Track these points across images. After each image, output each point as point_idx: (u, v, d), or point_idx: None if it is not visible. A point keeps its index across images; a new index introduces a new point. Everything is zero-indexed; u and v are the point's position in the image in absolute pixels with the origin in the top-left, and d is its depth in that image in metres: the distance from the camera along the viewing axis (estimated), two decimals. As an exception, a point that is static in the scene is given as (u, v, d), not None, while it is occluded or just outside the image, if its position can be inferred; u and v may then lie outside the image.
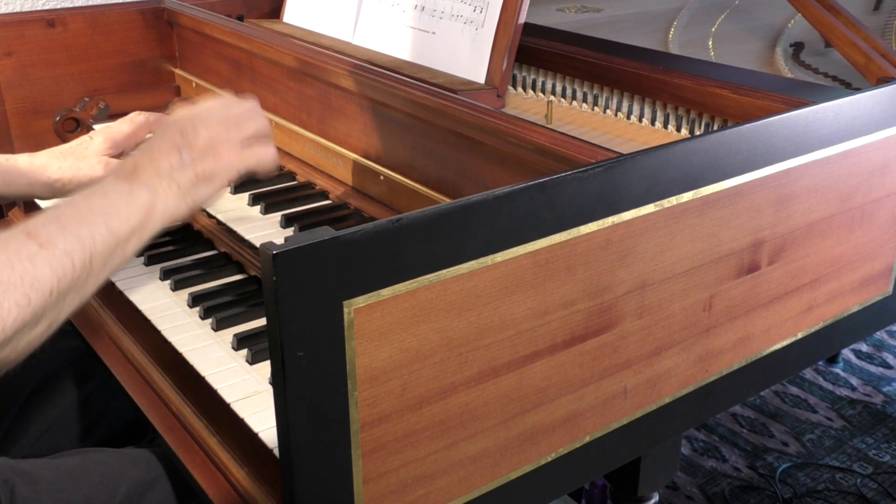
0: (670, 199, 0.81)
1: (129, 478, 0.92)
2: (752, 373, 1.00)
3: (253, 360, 0.91)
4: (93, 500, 0.89)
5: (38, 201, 1.31)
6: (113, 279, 1.08)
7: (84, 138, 1.24)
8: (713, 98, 1.07)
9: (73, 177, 1.18)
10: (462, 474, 0.77)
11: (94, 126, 1.45)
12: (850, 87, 1.46)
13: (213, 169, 0.90)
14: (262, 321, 0.98)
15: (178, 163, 0.88)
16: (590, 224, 0.76)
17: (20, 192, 1.19)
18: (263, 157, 0.97)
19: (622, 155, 0.79)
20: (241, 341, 0.93)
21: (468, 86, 1.14)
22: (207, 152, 0.91)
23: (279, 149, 1.32)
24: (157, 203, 0.85)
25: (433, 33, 1.23)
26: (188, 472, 0.86)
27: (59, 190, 1.19)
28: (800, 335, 1.04)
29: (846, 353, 2.37)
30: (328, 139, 1.23)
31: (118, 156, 1.29)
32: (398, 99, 1.06)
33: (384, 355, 0.68)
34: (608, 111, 1.21)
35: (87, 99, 1.46)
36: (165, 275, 1.08)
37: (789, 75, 1.55)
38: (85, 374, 1.17)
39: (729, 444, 2.02)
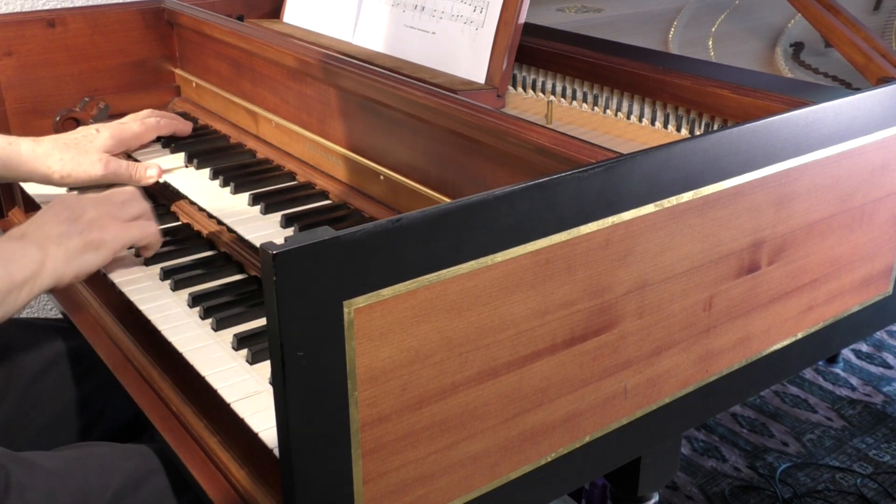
0: (670, 199, 0.81)
1: (124, 469, 0.93)
2: (752, 373, 1.00)
3: (253, 360, 0.91)
4: (88, 489, 0.89)
5: (37, 200, 1.31)
6: (113, 279, 1.08)
7: (91, 130, 1.25)
8: (713, 98, 1.08)
9: (71, 171, 1.19)
10: (462, 474, 0.77)
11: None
12: (850, 87, 1.46)
13: (99, 238, 0.98)
14: (262, 321, 0.98)
15: (66, 231, 0.96)
16: (590, 224, 0.76)
17: (18, 178, 1.21)
18: (147, 230, 1.06)
19: (622, 155, 0.79)
20: (241, 341, 0.93)
21: (468, 86, 1.14)
22: (94, 224, 0.99)
23: (279, 149, 1.32)
24: (47, 261, 0.93)
25: (433, 33, 1.23)
26: (188, 472, 0.86)
27: (56, 181, 1.21)
28: (800, 335, 1.04)
29: (846, 353, 2.37)
30: (328, 139, 1.23)
31: (120, 155, 1.28)
32: (398, 99, 1.06)
33: (384, 355, 0.68)
34: (608, 111, 1.21)
35: (87, 99, 1.46)
36: (165, 275, 1.08)
37: (789, 75, 1.55)
38: (84, 372, 1.17)
39: (729, 444, 2.02)
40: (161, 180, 1.26)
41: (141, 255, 1.11)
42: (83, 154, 1.20)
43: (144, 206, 1.08)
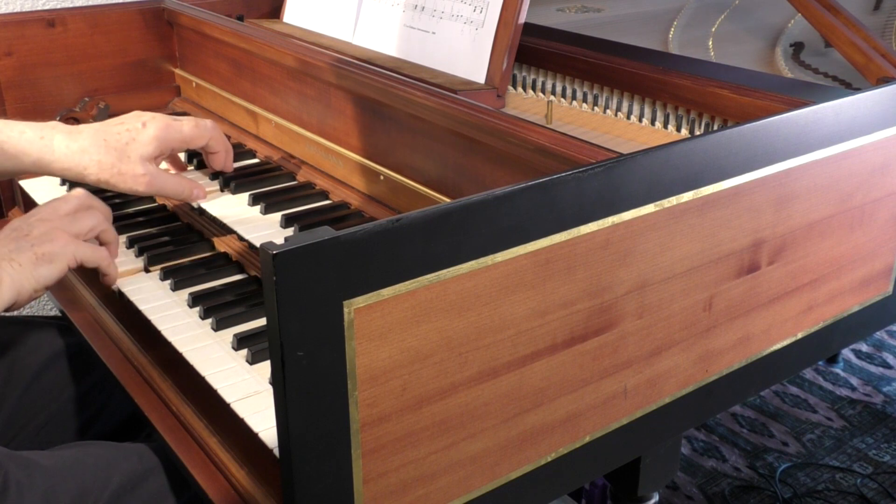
0: (670, 199, 0.81)
1: (122, 469, 0.93)
2: (752, 373, 1.00)
3: (253, 360, 0.91)
4: (86, 488, 0.89)
5: (38, 201, 1.31)
6: (113, 279, 1.08)
7: (136, 124, 1.11)
8: (713, 98, 1.08)
9: (109, 179, 1.09)
10: (462, 474, 0.77)
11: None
12: (850, 87, 1.46)
13: (51, 250, 0.95)
14: (262, 321, 0.98)
15: (16, 247, 0.94)
16: (590, 224, 0.76)
17: (51, 174, 1.11)
18: (96, 255, 1.00)
19: (622, 155, 0.79)
20: (241, 341, 0.93)
21: (468, 86, 1.14)
22: (44, 237, 0.96)
23: (279, 149, 1.32)
24: (4, 277, 0.91)
25: (433, 33, 1.23)
26: (188, 472, 0.86)
27: (91, 184, 1.11)
28: (800, 335, 1.04)
29: (846, 353, 2.37)
30: (328, 139, 1.23)
31: (159, 160, 1.16)
32: (398, 99, 1.06)
33: (384, 355, 0.68)
34: (608, 111, 1.21)
35: (87, 99, 1.46)
36: (165, 275, 1.08)
37: (789, 75, 1.55)
38: (83, 370, 1.17)
39: (729, 444, 2.02)
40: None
41: (107, 284, 1.05)
42: (125, 160, 1.08)
43: (97, 217, 1.01)
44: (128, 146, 1.09)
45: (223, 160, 1.21)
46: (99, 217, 1.02)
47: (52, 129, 1.09)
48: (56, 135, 1.09)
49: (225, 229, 1.14)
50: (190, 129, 1.14)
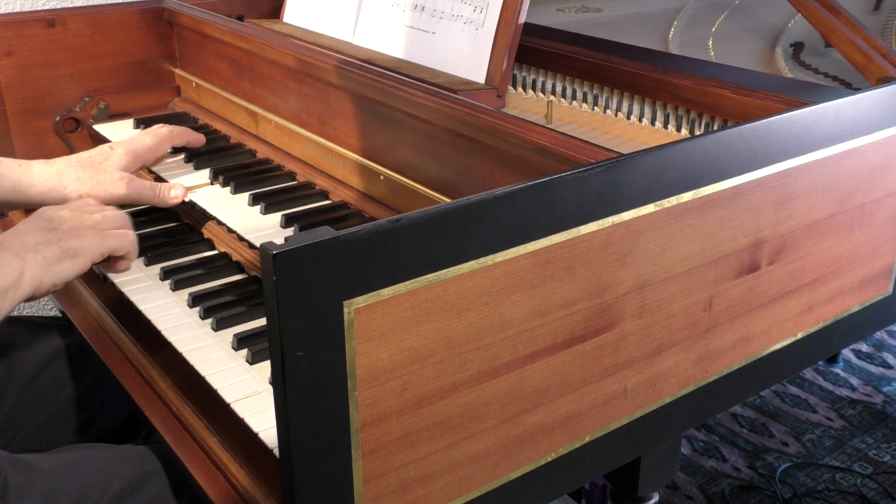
0: (670, 199, 0.81)
1: (122, 472, 0.93)
2: (752, 373, 1.00)
3: (253, 360, 0.91)
4: (86, 492, 0.90)
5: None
6: (113, 279, 1.08)
7: (104, 149, 1.20)
8: (713, 98, 1.08)
9: (90, 190, 1.14)
10: (462, 474, 0.77)
11: (95, 127, 1.44)
12: (850, 87, 1.46)
13: (77, 246, 0.98)
14: (262, 321, 0.98)
15: (44, 240, 0.96)
16: (590, 224, 0.76)
17: (31, 200, 1.15)
18: (125, 240, 1.04)
19: (622, 155, 0.79)
20: (241, 341, 0.93)
21: (468, 86, 1.14)
22: (72, 232, 0.99)
23: (279, 149, 1.32)
24: (26, 269, 0.93)
25: (433, 33, 1.23)
26: (188, 472, 0.86)
27: (74, 199, 1.14)
28: (800, 335, 1.04)
29: (846, 353, 2.37)
30: (328, 139, 1.23)
31: (137, 171, 1.23)
32: (398, 99, 1.06)
33: (384, 355, 0.68)
34: (608, 111, 1.21)
35: (87, 99, 1.46)
36: (165, 275, 1.08)
37: (789, 75, 1.55)
38: (82, 370, 1.17)
39: (729, 444, 2.02)
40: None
41: (119, 269, 1.08)
42: (101, 172, 1.15)
43: (122, 215, 1.07)
44: (102, 162, 1.17)
45: (194, 145, 1.32)
46: (124, 215, 1.07)
47: (28, 161, 1.16)
48: (34, 163, 1.16)
49: (225, 229, 1.14)
50: (151, 139, 1.25)
